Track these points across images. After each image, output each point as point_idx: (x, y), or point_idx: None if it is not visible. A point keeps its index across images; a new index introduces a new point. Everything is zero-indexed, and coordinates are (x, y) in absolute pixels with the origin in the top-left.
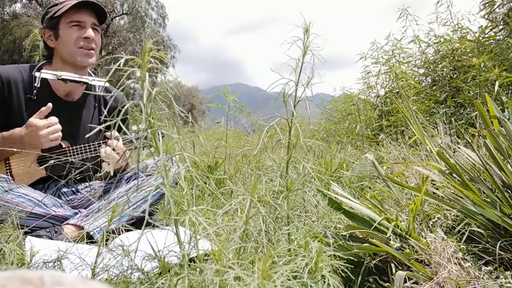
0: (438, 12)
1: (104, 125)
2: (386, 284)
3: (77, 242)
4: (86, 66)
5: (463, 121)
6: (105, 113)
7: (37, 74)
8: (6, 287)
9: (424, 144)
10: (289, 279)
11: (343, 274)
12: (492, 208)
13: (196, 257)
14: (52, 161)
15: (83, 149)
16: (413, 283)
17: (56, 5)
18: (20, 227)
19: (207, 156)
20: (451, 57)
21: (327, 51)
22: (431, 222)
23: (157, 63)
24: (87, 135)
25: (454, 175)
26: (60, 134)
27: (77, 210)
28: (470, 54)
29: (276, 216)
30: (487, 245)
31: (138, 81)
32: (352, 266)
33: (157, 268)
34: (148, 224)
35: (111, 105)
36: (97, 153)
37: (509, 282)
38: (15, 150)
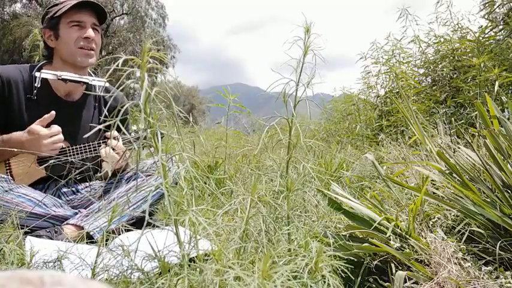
0: (438, 12)
1: (103, 125)
2: (386, 284)
3: (77, 242)
4: (86, 66)
5: (463, 121)
6: (105, 113)
7: (37, 74)
8: (6, 287)
9: (424, 144)
10: (289, 279)
11: (343, 274)
12: (492, 208)
13: (196, 257)
14: (52, 161)
15: (82, 149)
16: (413, 283)
17: (56, 5)
18: (20, 227)
19: (207, 156)
20: (451, 57)
21: (327, 51)
22: (431, 222)
23: (157, 63)
24: (86, 135)
25: (454, 175)
26: (61, 145)
27: (77, 210)
28: (470, 54)
29: (276, 216)
30: (487, 245)
31: (138, 81)
32: (352, 266)
33: (157, 268)
34: (148, 224)
35: (110, 105)
36: (97, 153)
37: (509, 282)
38: (16, 150)
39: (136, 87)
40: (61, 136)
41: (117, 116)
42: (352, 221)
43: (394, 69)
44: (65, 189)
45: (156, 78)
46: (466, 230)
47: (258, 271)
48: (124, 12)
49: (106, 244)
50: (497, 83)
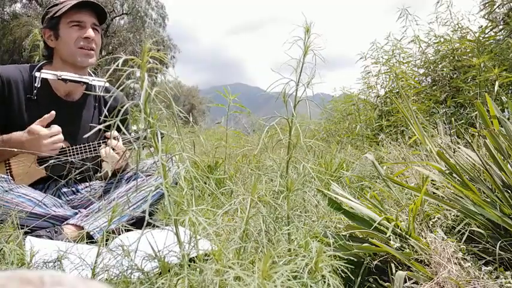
0: (438, 12)
1: (103, 125)
2: (386, 284)
3: (77, 242)
4: (86, 66)
5: (463, 121)
6: (105, 113)
7: (37, 74)
8: (6, 287)
9: (424, 144)
10: (289, 279)
11: (343, 274)
12: (492, 208)
13: (196, 257)
14: (52, 161)
15: (82, 148)
16: (413, 283)
17: (56, 5)
18: (20, 227)
19: (207, 156)
20: (451, 57)
21: (327, 51)
22: (431, 222)
23: (157, 63)
24: (86, 135)
25: (454, 175)
26: (61, 145)
27: (77, 210)
28: (470, 54)
29: (276, 216)
30: (487, 245)
31: (138, 81)
32: (352, 266)
33: (157, 268)
34: (148, 224)
35: (110, 105)
36: (97, 153)
37: (509, 282)
38: (16, 150)
39: (137, 87)
40: (61, 136)
41: (117, 116)
42: (352, 221)
43: (394, 69)
44: (65, 189)
45: (156, 78)
46: (466, 230)
47: (258, 271)
48: (124, 12)
49: (106, 244)
50: (497, 83)
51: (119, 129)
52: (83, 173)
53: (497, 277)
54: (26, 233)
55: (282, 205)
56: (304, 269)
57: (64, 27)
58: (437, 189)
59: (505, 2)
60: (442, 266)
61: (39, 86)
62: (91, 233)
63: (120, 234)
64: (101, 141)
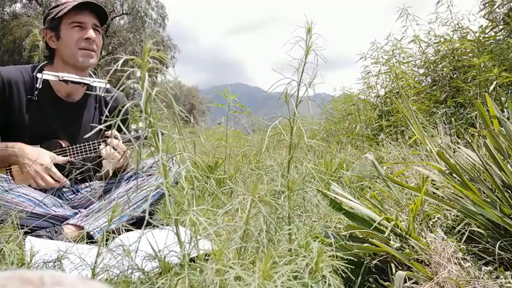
0: (438, 12)
1: (104, 125)
2: (386, 284)
3: (77, 242)
4: (87, 66)
5: (463, 121)
6: (106, 113)
7: (39, 75)
8: (6, 287)
9: (424, 144)
10: (289, 280)
11: (343, 274)
12: (492, 208)
13: (196, 257)
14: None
15: (82, 148)
16: (413, 283)
17: (58, 6)
18: (20, 227)
19: (207, 156)
20: (451, 57)
21: (327, 51)
22: (431, 222)
23: (157, 64)
24: (87, 135)
25: (454, 175)
26: (50, 181)
27: (77, 210)
28: (470, 54)
29: (277, 216)
30: (487, 245)
31: (138, 81)
32: (353, 266)
33: (158, 268)
34: (148, 224)
35: (111, 105)
36: (97, 153)
37: (509, 282)
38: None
39: (137, 87)
40: (55, 183)
41: (117, 116)
42: (352, 221)
43: (394, 69)
44: (65, 189)
45: (156, 78)
46: (466, 230)
47: (259, 271)
48: (124, 12)
49: (106, 244)
50: (494, 82)
51: (119, 129)
52: (83, 173)
53: (497, 277)
54: (26, 233)
55: (283, 205)
56: (304, 269)
57: (65, 28)
58: (437, 189)
59: (505, 2)
60: (442, 266)
61: (40, 87)
62: (91, 233)
63: (120, 234)
64: (101, 140)
